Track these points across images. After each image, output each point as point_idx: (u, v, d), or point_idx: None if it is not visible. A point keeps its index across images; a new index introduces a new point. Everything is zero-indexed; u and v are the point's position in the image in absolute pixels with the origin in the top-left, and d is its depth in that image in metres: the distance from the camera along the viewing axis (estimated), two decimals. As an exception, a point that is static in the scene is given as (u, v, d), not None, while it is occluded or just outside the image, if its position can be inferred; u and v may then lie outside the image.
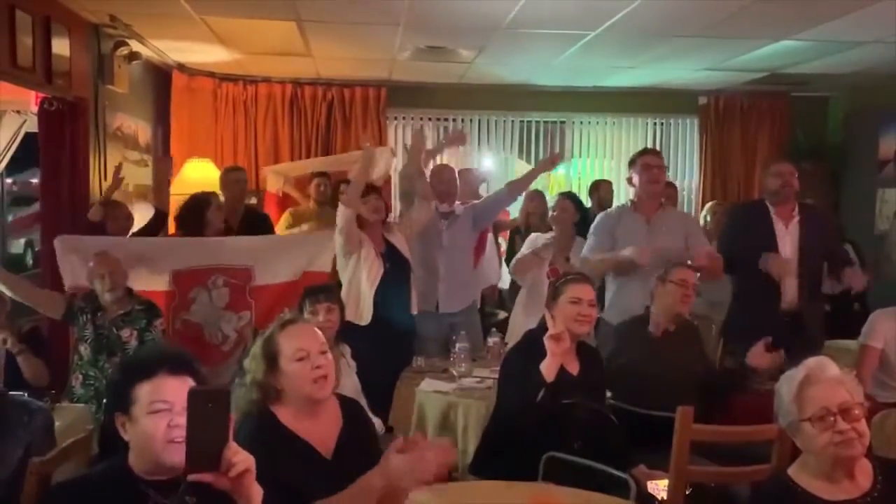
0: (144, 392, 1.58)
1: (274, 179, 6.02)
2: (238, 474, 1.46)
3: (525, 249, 4.52)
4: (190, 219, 4.35)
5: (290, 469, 1.90)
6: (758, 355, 3.23)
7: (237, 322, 4.15)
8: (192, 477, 1.45)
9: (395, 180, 6.21)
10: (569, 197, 4.68)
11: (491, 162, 7.09)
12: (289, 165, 6.28)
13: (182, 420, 1.50)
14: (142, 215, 5.03)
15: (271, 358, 2.04)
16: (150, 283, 3.97)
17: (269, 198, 6.03)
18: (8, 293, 3.55)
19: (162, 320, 3.66)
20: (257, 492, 1.51)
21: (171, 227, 5.09)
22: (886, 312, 3.68)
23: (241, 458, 1.47)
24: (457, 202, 4.49)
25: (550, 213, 4.57)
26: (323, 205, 5.50)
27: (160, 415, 1.57)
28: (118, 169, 4.71)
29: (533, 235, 4.69)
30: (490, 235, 4.79)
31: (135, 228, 4.80)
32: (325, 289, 3.35)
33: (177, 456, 1.52)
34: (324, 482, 1.89)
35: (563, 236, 4.43)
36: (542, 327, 2.90)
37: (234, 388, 2.15)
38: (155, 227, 4.84)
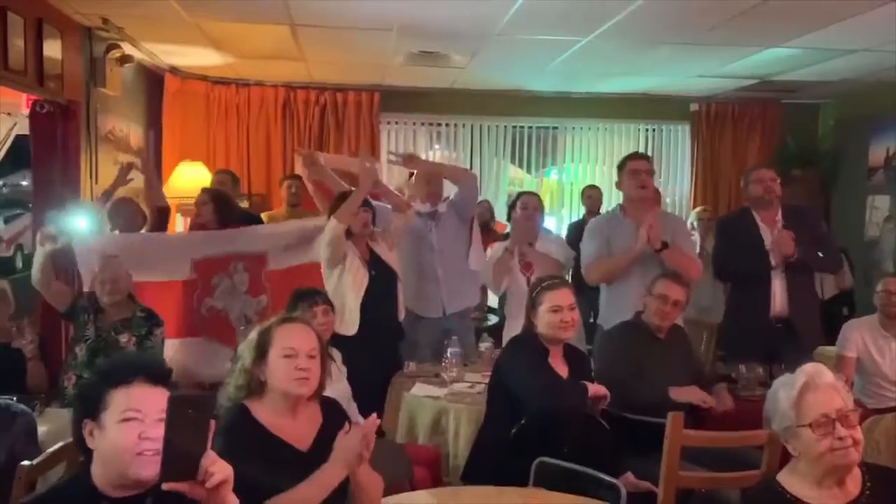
0: (118, 399, 1.51)
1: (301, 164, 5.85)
2: (214, 485, 1.42)
3: (492, 256, 4.42)
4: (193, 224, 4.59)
5: (262, 464, 1.92)
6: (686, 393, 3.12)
7: (256, 306, 4.27)
8: (167, 485, 1.39)
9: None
10: (532, 194, 4.52)
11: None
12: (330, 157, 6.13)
13: (153, 433, 1.45)
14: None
15: (262, 348, 2.08)
16: (170, 273, 4.06)
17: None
18: (37, 267, 3.59)
19: (163, 329, 3.66)
20: (233, 502, 1.47)
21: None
22: (857, 322, 3.77)
23: (218, 468, 1.42)
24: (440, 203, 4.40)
25: (518, 210, 4.41)
26: (295, 206, 5.50)
27: (131, 424, 1.49)
28: (127, 168, 4.77)
29: (496, 246, 4.46)
30: (477, 227, 4.65)
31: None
32: (319, 291, 3.35)
33: (144, 470, 1.46)
34: (300, 474, 1.93)
35: (525, 230, 4.17)
36: (527, 332, 2.91)
37: (227, 373, 2.18)
38: (160, 224, 4.83)
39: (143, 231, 4.74)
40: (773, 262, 3.74)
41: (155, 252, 4.10)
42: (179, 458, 1.38)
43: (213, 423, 1.44)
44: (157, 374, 1.58)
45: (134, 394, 1.52)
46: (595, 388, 2.77)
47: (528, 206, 4.26)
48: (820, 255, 3.81)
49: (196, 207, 4.52)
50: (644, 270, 3.59)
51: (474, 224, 4.53)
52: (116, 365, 1.62)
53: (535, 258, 4.03)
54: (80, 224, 4.07)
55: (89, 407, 1.54)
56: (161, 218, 4.81)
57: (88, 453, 1.56)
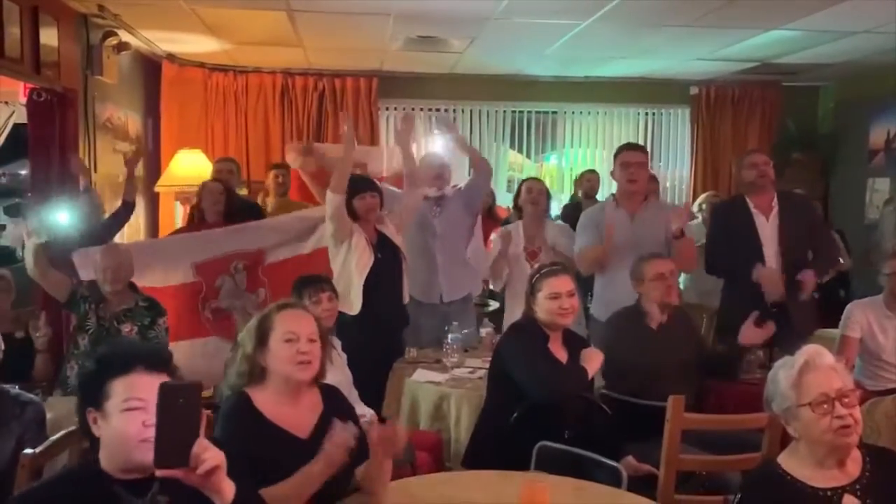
0: (119, 388, 1.53)
1: (294, 156, 5.54)
2: (207, 471, 1.42)
3: (493, 250, 4.41)
4: (193, 210, 4.54)
5: (262, 452, 1.94)
6: (749, 332, 3.24)
7: (255, 300, 4.28)
8: (160, 473, 1.40)
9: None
10: (537, 180, 4.63)
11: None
12: (325, 146, 6.06)
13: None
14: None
15: (263, 334, 2.10)
16: (172, 277, 4.07)
17: (294, 174, 5.67)
18: (30, 260, 3.57)
19: (166, 319, 3.65)
20: (228, 487, 1.47)
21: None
22: (862, 303, 3.77)
23: (210, 455, 1.42)
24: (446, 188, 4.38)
25: (524, 195, 4.41)
26: (283, 196, 5.48)
27: (135, 413, 1.51)
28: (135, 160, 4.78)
29: (498, 231, 4.54)
30: (479, 221, 4.66)
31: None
32: (325, 278, 3.35)
33: (148, 456, 1.46)
34: (300, 462, 1.94)
35: (534, 218, 4.32)
36: (527, 317, 2.91)
37: (228, 362, 2.21)
38: (122, 217, 4.76)
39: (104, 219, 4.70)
40: (765, 252, 3.74)
41: (155, 258, 4.07)
42: (172, 445, 1.39)
43: (203, 410, 1.45)
44: (156, 362, 1.58)
45: (134, 382, 1.53)
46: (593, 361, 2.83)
47: (532, 191, 4.34)
48: (814, 250, 3.84)
49: (211, 195, 4.45)
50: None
51: (478, 219, 4.56)
52: (115, 354, 1.62)
53: (546, 251, 4.12)
54: (61, 218, 4.03)
55: (92, 396, 1.56)
56: (125, 210, 4.72)
57: (94, 440, 1.58)
